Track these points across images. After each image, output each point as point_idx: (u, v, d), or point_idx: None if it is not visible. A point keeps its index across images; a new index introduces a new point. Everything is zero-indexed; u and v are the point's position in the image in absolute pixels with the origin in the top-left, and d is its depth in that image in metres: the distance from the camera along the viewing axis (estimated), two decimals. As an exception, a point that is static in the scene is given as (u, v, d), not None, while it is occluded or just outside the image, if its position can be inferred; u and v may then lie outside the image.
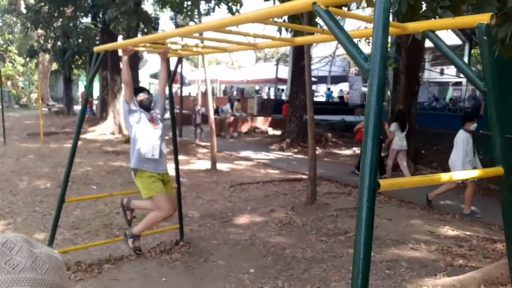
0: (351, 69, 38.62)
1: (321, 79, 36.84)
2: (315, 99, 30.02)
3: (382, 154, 9.34)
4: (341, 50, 37.69)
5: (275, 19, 2.62)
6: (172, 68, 4.44)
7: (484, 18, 1.74)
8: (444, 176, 1.58)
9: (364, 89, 29.01)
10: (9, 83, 32.10)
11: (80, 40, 15.85)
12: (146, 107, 4.04)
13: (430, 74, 29.97)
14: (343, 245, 5.00)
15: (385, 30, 1.31)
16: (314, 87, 30.87)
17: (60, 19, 16.92)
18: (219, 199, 6.93)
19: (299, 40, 2.60)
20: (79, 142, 13.09)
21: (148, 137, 3.98)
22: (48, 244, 3.96)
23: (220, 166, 9.60)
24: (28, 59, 22.11)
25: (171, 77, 4.27)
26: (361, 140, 6.56)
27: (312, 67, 36.54)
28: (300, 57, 11.99)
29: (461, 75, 26.36)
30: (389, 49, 16.80)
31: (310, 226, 5.67)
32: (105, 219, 5.64)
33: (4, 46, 30.95)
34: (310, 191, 6.73)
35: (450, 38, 21.29)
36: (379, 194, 7.57)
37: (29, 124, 17.16)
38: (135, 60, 12.87)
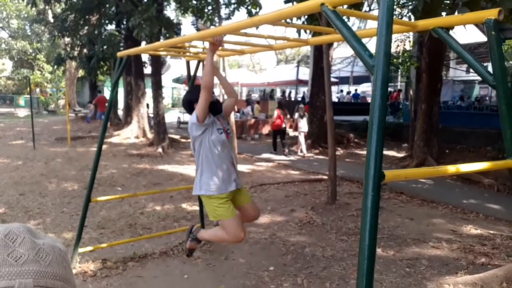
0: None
1: (344, 80, 36.61)
2: (336, 99, 29.87)
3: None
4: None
5: (288, 21, 2.69)
6: (192, 71, 4.55)
7: (492, 13, 1.77)
8: (450, 168, 1.62)
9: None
10: (37, 90, 33.22)
11: (105, 47, 16.26)
12: (218, 110, 3.29)
13: (456, 72, 29.37)
14: (363, 244, 5.00)
15: (389, 27, 1.36)
16: (336, 87, 30.69)
17: (86, 27, 17.45)
18: (240, 200, 7.02)
19: (313, 40, 2.66)
20: (104, 146, 13.43)
21: (225, 154, 3.24)
22: (75, 243, 4.14)
23: (241, 167, 9.69)
24: (55, 66, 22.75)
25: (192, 80, 4.39)
26: (275, 127, 10.24)
27: (334, 68, 36.60)
28: (320, 58, 11.99)
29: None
30: (411, 48, 16.62)
31: (330, 226, 5.69)
32: (130, 219, 5.81)
33: (33, 54, 32.04)
34: (331, 191, 6.74)
35: (476, 35, 20.81)
36: (401, 194, 7.53)
37: (57, 129, 17.72)
38: (158, 65, 13.14)
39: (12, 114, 27.30)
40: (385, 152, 12.33)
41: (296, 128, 12.69)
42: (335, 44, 44.40)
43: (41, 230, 5.25)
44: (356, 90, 31.57)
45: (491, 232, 5.45)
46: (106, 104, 19.75)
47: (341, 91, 30.90)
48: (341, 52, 43.42)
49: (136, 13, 9.59)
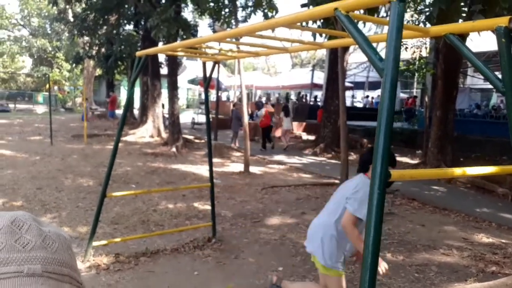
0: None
1: (359, 85, 36.47)
2: (353, 104, 29.75)
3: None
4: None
5: (304, 24, 2.75)
6: (208, 73, 4.63)
7: (502, 21, 1.80)
8: (457, 171, 1.65)
9: (402, 95, 28.48)
10: (56, 88, 33.88)
11: (122, 47, 16.55)
12: None
13: (473, 80, 29.02)
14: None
15: (399, 32, 1.41)
16: (350, 92, 30.57)
17: (105, 27, 17.78)
18: (251, 200, 7.09)
19: (328, 44, 2.71)
20: (120, 144, 13.70)
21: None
22: (90, 236, 4.25)
23: (253, 169, 9.78)
24: (74, 65, 23.22)
25: (207, 82, 4.47)
26: (263, 125, 10.98)
27: (349, 73, 36.42)
28: (335, 63, 11.99)
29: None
30: (427, 55, 16.51)
31: (340, 229, 5.71)
32: (143, 215, 5.92)
33: (53, 52, 32.68)
34: (342, 195, 6.75)
35: (494, 44, 20.62)
36: (413, 200, 7.50)
37: (73, 127, 18.06)
38: (174, 65, 13.31)
39: (31, 110, 27.88)
40: (399, 159, 12.26)
41: (280, 126, 14.59)
42: (351, 49, 44.10)
43: (57, 224, 5.40)
44: (367, 96, 31.46)
45: (503, 241, 5.41)
46: (117, 103, 19.82)
47: (353, 96, 30.72)
48: (356, 57, 43.25)
49: (155, 14, 9.76)
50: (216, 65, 12.18)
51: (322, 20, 6.96)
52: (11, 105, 28.52)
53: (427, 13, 3.80)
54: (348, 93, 31.60)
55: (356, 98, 34.18)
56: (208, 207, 6.29)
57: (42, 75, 33.26)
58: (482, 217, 6.58)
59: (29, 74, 37.83)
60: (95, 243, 4.28)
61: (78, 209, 6.09)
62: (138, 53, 3.84)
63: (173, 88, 12.89)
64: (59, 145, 12.54)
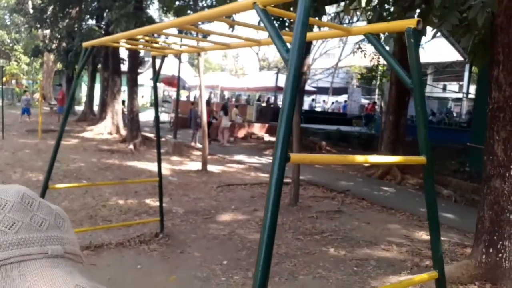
0: (353, 81, 39.14)
1: (323, 90, 37.20)
2: (315, 109, 30.27)
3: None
4: (343, 63, 38.31)
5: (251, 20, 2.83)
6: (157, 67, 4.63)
7: (411, 23, 1.95)
8: (359, 158, 1.78)
9: (363, 101, 29.30)
10: (13, 81, 32.52)
11: (83, 41, 16.18)
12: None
13: (433, 89, 30.31)
14: (317, 244, 5.17)
15: (304, 27, 1.52)
16: (310, 97, 31.07)
17: (66, 20, 17.28)
18: (205, 198, 7.12)
19: (265, 41, 2.82)
20: (76, 140, 13.31)
21: None
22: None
23: (212, 168, 9.80)
24: (32, 58, 22.44)
25: (156, 76, 4.48)
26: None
27: (314, 77, 36.72)
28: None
29: (463, 91, 26.44)
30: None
31: (289, 225, 5.85)
32: (91, 210, 5.84)
33: (11, 45, 31.41)
34: (293, 193, 6.92)
35: (453, 55, 21.72)
36: (362, 200, 7.76)
37: (29, 122, 17.41)
38: (135, 62, 13.12)
39: (-16, 104, 26.62)
40: (355, 161, 12.63)
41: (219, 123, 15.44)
42: (316, 54, 44.87)
43: None
44: (336, 101, 32.19)
45: (442, 238, 5.70)
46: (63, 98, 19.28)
47: (313, 100, 31.26)
48: (322, 63, 44.12)
49: (114, 8, 9.62)
50: (180, 63, 12.00)
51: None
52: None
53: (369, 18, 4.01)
54: (308, 97, 32.19)
55: (320, 103, 34.90)
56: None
57: (-2, 67, 31.86)
58: (425, 216, 6.89)
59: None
60: (35, 236, 4.19)
61: (24, 203, 5.92)
62: (84, 44, 3.82)
63: (133, 84, 12.72)
64: (11, 140, 12.09)
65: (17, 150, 10.24)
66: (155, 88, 4.71)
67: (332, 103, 34.28)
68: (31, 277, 0.44)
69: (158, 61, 4.41)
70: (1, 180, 7.11)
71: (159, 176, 5.09)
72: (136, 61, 13.11)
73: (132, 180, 6.79)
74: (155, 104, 4.82)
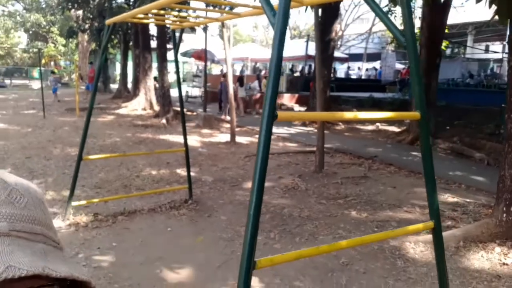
0: (388, 46, 37.87)
1: (356, 57, 36.28)
2: (351, 77, 29.67)
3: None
4: (378, 27, 37.03)
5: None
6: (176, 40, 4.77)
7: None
8: (347, 114, 1.86)
9: (398, 66, 28.40)
10: (52, 63, 33.79)
11: (113, 20, 16.55)
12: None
13: (473, 51, 28.95)
14: (340, 207, 5.31)
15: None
16: (345, 65, 30.43)
17: (96, 0, 17.68)
18: (233, 167, 7.36)
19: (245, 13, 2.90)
20: (111, 117, 13.86)
21: None
22: (69, 196, 4.53)
23: (240, 139, 10.02)
24: (68, 39, 23.18)
25: (176, 50, 4.64)
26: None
27: (347, 44, 35.77)
28: (325, 32, 12.03)
29: (506, 51, 25.08)
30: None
31: (313, 191, 6.00)
32: (126, 181, 6.21)
33: (47, 27, 32.45)
34: (318, 160, 7.02)
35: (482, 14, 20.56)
36: (390, 165, 7.76)
37: (68, 101, 18.22)
38: (163, 38, 13.32)
39: (27, 86, 28.01)
40: (386, 127, 12.49)
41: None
42: (349, 20, 43.41)
43: (43, 189, 5.68)
44: (374, 67, 31.44)
45: (467, 200, 5.68)
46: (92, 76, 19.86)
47: (348, 67, 30.70)
48: (355, 29, 42.79)
49: (140, -15, 9.78)
50: (206, 37, 12.05)
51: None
52: (7, 81, 28.58)
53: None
54: (342, 65, 31.50)
55: (354, 70, 34.11)
56: (192, 173, 6.57)
57: (38, 50, 33.14)
58: (454, 179, 6.85)
59: (25, 49, 37.65)
60: (74, 203, 4.56)
61: (64, 176, 6.37)
62: (107, 21, 4.01)
63: (162, 60, 12.99)
64: (52, 118, 12.77)
65: (57, 128, 10.85)
66: (176, 62, 4.88)
67: (367, 69, 33.52)
68: None
69: (177, 35, 4.56)
70: (43, 155, 7.63)
71: (185, 146, 5.33)
72: (164, 37, 13.33)
73: (160, 150, 7.12)
74: (177, 77, 5.00)
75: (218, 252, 3.93)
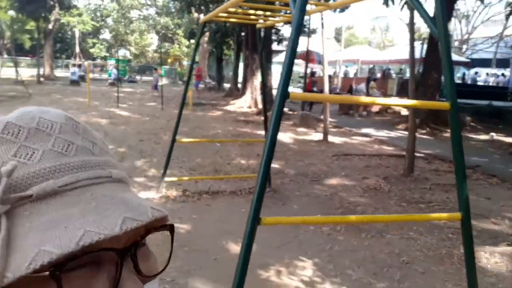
0: (524, 52, 33.65)
1: (483, 62, 32.96)
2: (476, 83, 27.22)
3: None
4: (511, 30, 33.15)
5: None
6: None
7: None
8: (364, 98, 1.98)
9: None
10: (177, 63, 37.36)
11: (227, 23, 17.79)
12: None
13: None
14: (419, 211, 5.15)
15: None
16: (472, 70, 27.95)
17: (216, 4, 19.17)
18: (318, 164, 7.53)
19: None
20: (219, 113, 14.95)
21: None
22: (163, 173, 5.23)
23: (334, 139, 10.08)
24: (190, 41, 25.47)
25: (260, 48, 5.01)
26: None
27: (475, 48, 32.86)
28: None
29: None
30: None
31: (395, 193, 5.89)
32: (217, 166, 6.83)
33: (174, 30, 35.93)
34: (407, 164, 6.81)
35: None
36: (492, 176, 7.19)
37: (158, 96, 20.09)
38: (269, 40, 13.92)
39: (154, 82, 31.42)
40: (502, 138, 11.37)
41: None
42: (477, 22, 39.69)
43: (148, 166, 6.58)
44: (503, 74, 28.49)
45: None
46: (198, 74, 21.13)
47: (476, 73, 28.11)
48: (483, 32, 38.93)
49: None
50: (308, 38, 12.30)
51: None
52: (138, 77, 32.46)
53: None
54: (468, 71, 28.90)
55: (481, 77, 31.04)
56: (276, 165, 6.96)
57: (165, 50, 36.90)
58: None
59: (156, 50, 42.24)
60: (167, 179, 5.26)
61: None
62: (200, 20, 4.57)
63: (265, 60, 13.61)
64: (169, 111, 14.29)
65: (171, 119, 12.12)
66: (260, 60, 5.26)
67: (497, 76, 30.24)
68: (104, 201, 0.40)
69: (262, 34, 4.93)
70: (154, 140, 8.72)
71: (266, 138, 5.69)
72: (269, 39, 13.92)
73: (242, 139, 7.65)
74: (262, 75, 5.39)
75: (281, 235, 4.21)
